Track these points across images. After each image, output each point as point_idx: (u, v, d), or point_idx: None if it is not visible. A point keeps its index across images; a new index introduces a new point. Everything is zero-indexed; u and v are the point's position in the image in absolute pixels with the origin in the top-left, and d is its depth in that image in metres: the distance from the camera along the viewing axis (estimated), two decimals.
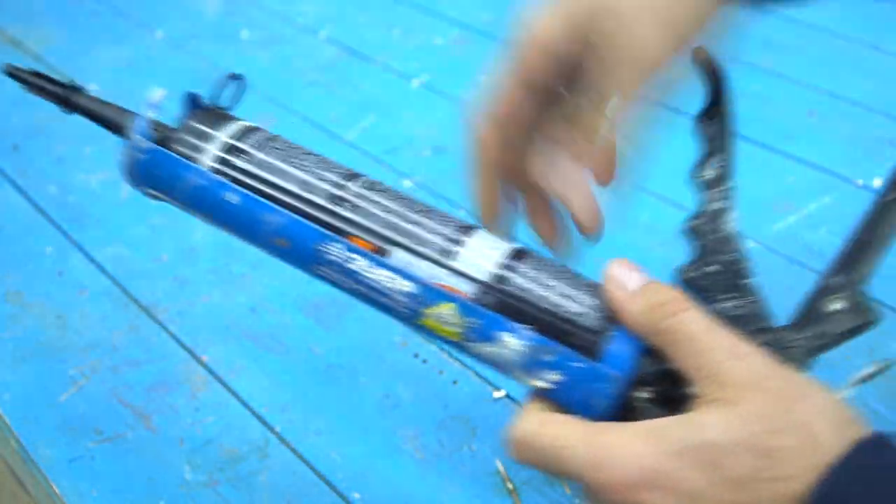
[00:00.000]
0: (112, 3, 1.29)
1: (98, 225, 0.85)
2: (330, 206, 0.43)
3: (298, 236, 0.43)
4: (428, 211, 0.43)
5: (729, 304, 0.41)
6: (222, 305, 0.75)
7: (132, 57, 1.15)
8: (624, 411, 0.39)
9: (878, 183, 0.83)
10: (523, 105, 0.47)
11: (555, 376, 0.39)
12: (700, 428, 0.36)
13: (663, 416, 0.38)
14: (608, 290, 0.40)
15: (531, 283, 0.41)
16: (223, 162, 0.45)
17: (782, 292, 0.77)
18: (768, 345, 0.40)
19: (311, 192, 0.44)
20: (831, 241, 0.78)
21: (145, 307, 0.75)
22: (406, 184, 0.89)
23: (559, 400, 0.40)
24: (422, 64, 1.10)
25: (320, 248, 0.42)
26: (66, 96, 0.52)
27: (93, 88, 1.13)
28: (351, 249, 0.42)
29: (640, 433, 0.37)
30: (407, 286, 0.41)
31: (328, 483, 0.60)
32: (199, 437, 0.63)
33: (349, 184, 0.44)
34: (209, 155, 0.45)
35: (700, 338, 0.38)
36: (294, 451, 0.62)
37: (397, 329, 0.71)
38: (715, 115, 0.42)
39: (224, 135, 0.46)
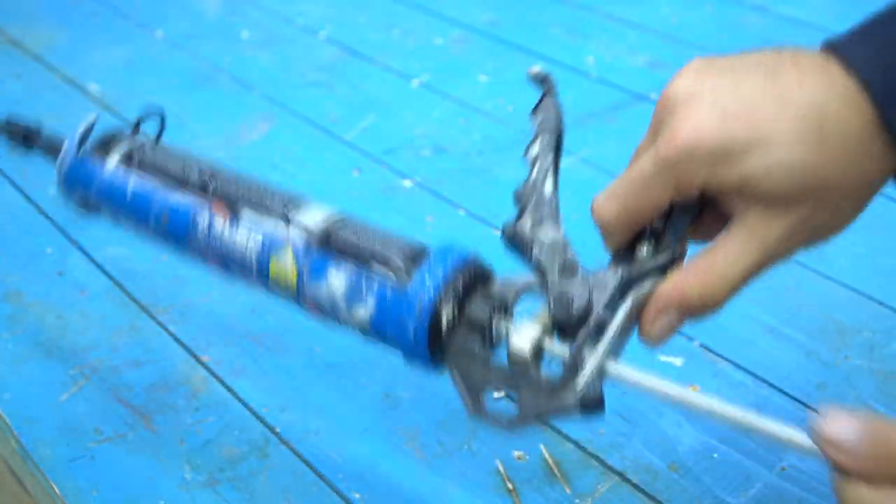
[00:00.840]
0: (112, 3, 1.29)
1: (98, 225, 0.85)
2: (198, 188, 0.54)
3: (176, 211, 0.53)
4: (270, 187, 0.53)
5: (545, 243, 0.46)
6: (222, 305, 0.75)
7: (132, 57, 1.15)
8: (437, 332, 0.45)
9: None
10: (661, 203, 0.45)
11: (370, 303, 0.46)
12: None
13: (473, 339, 0.45)
14: (829, 453, 0.37)
15: (352, 234, 0.49)
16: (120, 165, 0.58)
17: (781, 292, 0.77)
18: (581, 280, 0.45)
19: (183, 177, 0.55)
20: (831, 241, 0.78)
21: (145, 307, 0.75)
22: (406, 184, 0.89)
23: (379, 330, 0.47)
24: (422, 64, 1.10)
25: (193, 218, 0.53)
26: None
27: (93, 88, 1.14)
28: (213, 215, 0.52)
29: None
30: (258, 240, 0.50)
31: (328, 483, 0.60)
32: (199, 437, 0.63)
33: (213, 173, 0.55)
34: (112, 161, 0.58)
35: None
36: (294, 451, 0.62)
37: None
38: (541, 108, 0.48)
39: (121, 147, 0.58)
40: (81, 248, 0.82)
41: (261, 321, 0.73)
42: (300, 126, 0.99)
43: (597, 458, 0.60)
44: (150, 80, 1.10)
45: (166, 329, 0.73)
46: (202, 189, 0.54)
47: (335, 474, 0.60)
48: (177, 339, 0.72)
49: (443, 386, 0.67)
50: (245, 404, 0.66)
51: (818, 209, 0.43)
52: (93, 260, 0.80)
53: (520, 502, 0.58)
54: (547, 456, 0.61)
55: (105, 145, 0.59)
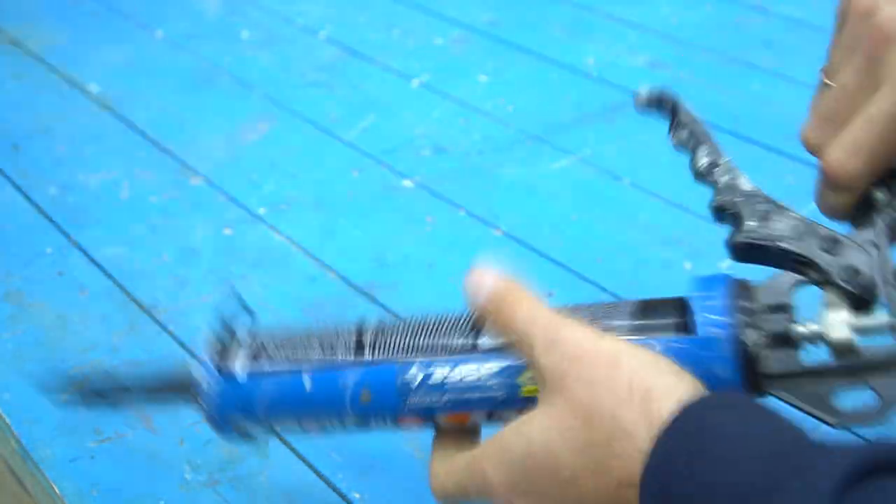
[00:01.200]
0: (112, 3, 1.29)
1: (98, 225, 0.85)
2: (358, 354, 0.47)
3: (377, 379, 0.46)
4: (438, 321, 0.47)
5: (787, 232, 0.42)
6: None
7: (132, 57, 1.15)
8: (752, 365, 0.40)
9: None
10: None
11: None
12: (528, 439, 0.40)
13: (786, 354, 0.41)
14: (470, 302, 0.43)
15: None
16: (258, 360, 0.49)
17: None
18: (847, 246, 0.41)
19: (335, 350, 0.47)
20: None
21: (145, 307, 0.75)
22: (406, 183, 0.89)
23: None
24: (422, 64, 1.10)
25: (401, 380, 0.45)
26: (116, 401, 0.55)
27: (93, 88, 1.13)
28: (427, 364, 0.45)
29: (488, 451, 0.42)
30: (492, 366, 0.44)
31: (328, 483, 0.60)
32: (199, 437, 0.63)
33: (363, 331, 0.47)
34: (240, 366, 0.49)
35: (522, 330, 0.41)
36: (294, 451, 0.62)
37: None
38: (679, 125, 0.45)
39: (246, 343, 0.51)
40: (81, 248, 0.82)
41: (260, 321, 0.73)
42: (300, 126, 0.99)
43: None
44: (150, 80, 1.10)
45: (166, 329, 0.73)
46: (358, 351, 0.47)
47: (335, 474, 0.60)
48: (177, 339, 0.72)
49: None
50: None
51: None
52: (93, 260, 0.80)
53: None
54: None
55: (222, 352, 0.51)
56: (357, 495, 0.59)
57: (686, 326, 0.41)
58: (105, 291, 0.77)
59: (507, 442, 0.41)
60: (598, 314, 0.44)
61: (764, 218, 0.42)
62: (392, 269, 0.78)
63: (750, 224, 0.42)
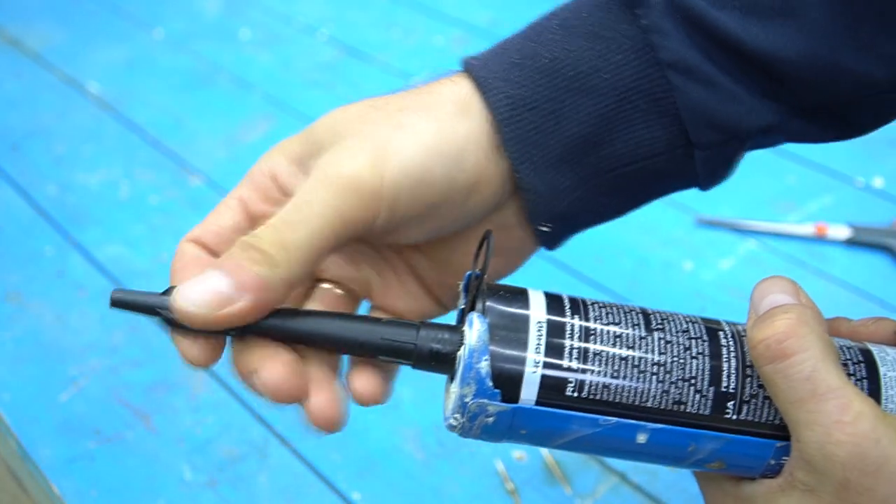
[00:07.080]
0: (112, 3, 1.29)
1: (98, 225, 0.85)
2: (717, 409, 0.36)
3: (741, 452, 0.37)
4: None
5: None
6: None
7: (132, 56, 1.15)
8: None
9: (878, 183, 0.83)
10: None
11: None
12: None
13: None
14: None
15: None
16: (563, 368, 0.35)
17: None
18: None
19: (682, 396, 0.35)
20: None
21: None
22: None
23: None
24: (422, 64, 1.10)
25: (773, 461, 0.37)
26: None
27: (93, 88, 1.13)
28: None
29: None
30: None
31: (328, 483, 0.60)
32: (199, 437, 0.63)
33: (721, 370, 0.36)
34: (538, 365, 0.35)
35: (807, 393, 0.34)
36: (294, 451, 0.62)
37: None
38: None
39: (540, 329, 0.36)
40: (81, 248, 0.82)
41: None
42: (300, 126, 0.98)
43: (597, 459, 0.60)
44: (150, 80, 1.10)
45: None
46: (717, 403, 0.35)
47: (335, 474, 0.60)
48: None
49: (443, 386, 0.67)
50: (245, 404, 0.66)
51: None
52: (92, 260, 0.80)
53: (520, 502, 0.58)
54: (547, 456, 0.61)
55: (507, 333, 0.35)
56: (357, 495, 0.59)
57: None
58: (104, 291, 0.77)
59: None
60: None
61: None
62: None
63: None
